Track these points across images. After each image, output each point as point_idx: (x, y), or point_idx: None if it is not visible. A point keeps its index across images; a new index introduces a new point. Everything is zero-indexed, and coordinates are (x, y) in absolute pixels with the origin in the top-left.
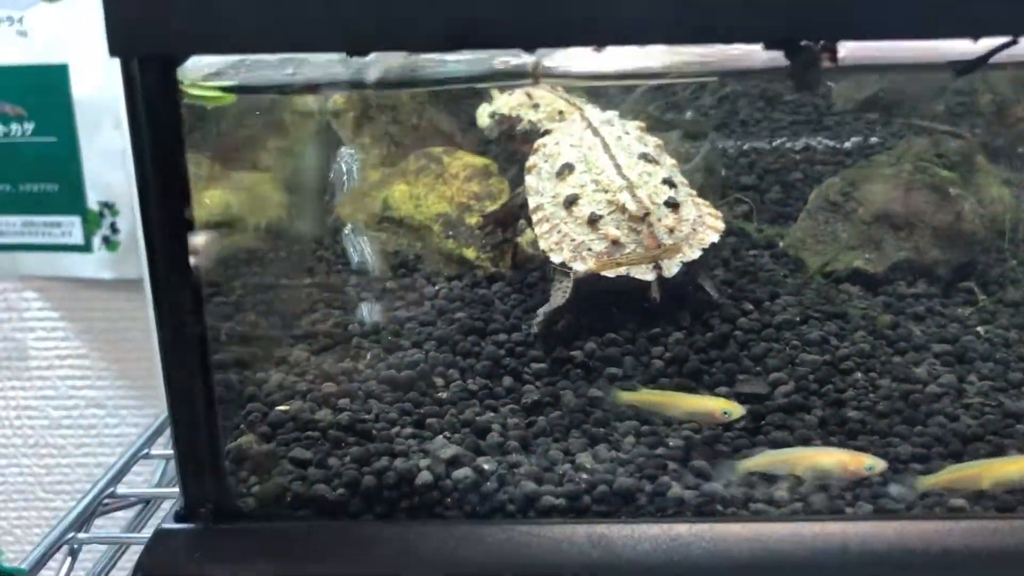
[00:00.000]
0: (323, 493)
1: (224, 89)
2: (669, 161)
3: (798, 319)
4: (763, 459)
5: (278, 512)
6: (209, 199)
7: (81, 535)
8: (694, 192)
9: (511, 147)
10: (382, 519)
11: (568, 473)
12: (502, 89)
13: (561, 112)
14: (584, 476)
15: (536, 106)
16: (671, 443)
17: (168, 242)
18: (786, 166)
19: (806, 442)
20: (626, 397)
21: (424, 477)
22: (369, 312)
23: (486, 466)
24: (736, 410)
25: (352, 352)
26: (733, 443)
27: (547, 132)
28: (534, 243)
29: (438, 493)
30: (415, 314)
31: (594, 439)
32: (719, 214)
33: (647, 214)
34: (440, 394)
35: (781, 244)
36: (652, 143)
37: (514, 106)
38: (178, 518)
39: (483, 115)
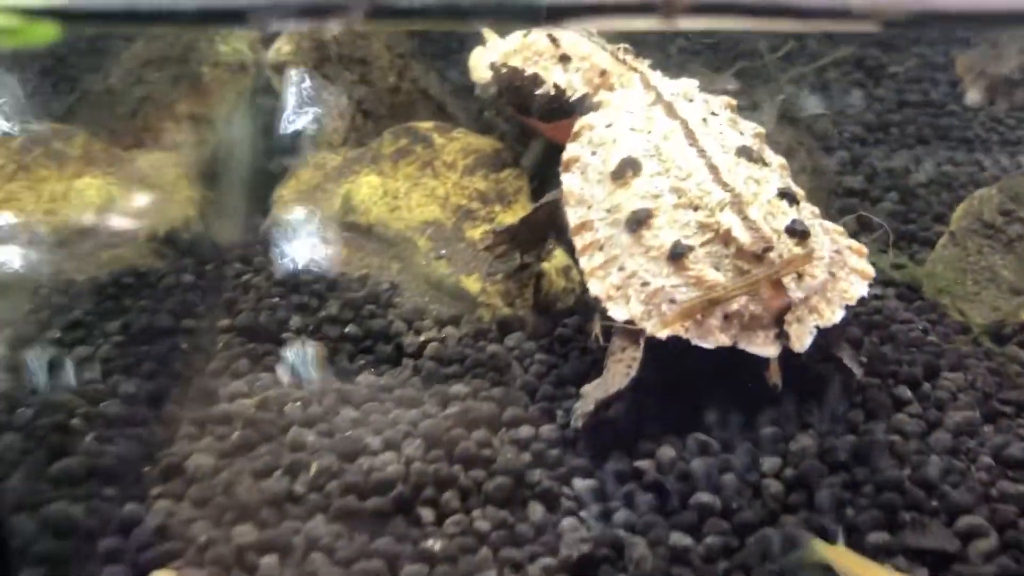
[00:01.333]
0: None
1: (34, 13)
2: (777, 159)
3: (978, 415)
4: None
5: None
6: (77, 192)
7: None
8: (816, 210)
9: (518, 120)
10: None
11: None
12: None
13: (603, 72)
14: None
15: (565, 59)
16: None
17: None
18: (903, 165)
19: None
20: (825, 552)
21: None
22: (314, 381)
23: None
24: None
25: (287, 458)
26: None
27: (582, 102)
28: (567, 270)
29: None
30: (388, 383)
31: None
32: (862, 248)
33: (767, 249)
34: (430, 542)
35: (925, 286)
36: (750, 130)
37: (529, 56)
38: None
39: (478, 64)
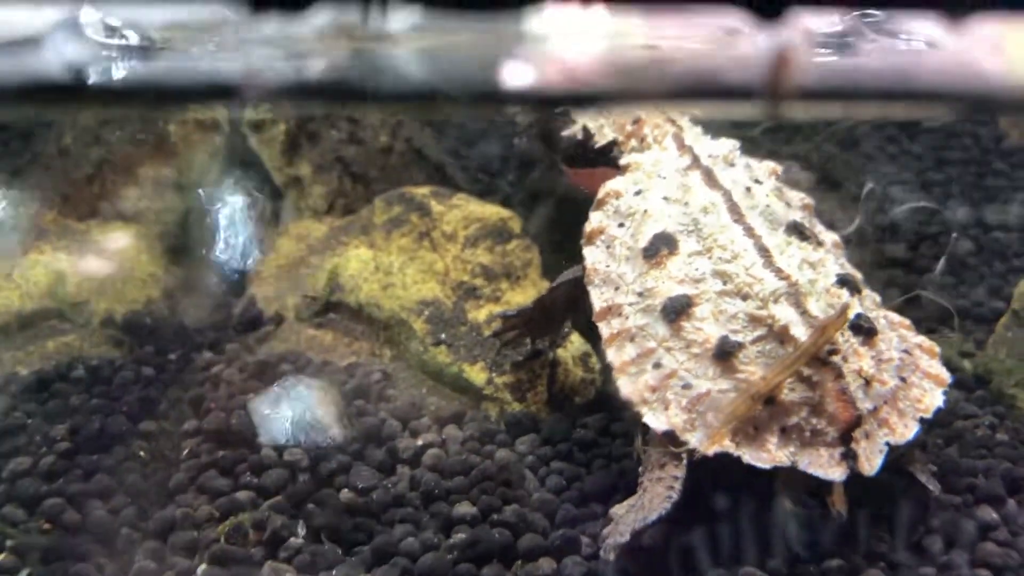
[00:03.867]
0: None
1: None
2: (831, 236)
3: None
4: None
5: None
6: (23, 270)
7: None
8: (878, 298)
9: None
10: None
11: None
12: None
13: (638, 120)
14: None
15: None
16: None
17: None
18: (948, 230)
19: None
20: None
21: None
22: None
23: None
24: None
25: None
26: None
27: (610, 150)
28: (585, 358)
29: None
30: (379, 495)
31: None
32: (935, 347)
33: (834, 352)
34: None
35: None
36: (798, 201)
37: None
38: None
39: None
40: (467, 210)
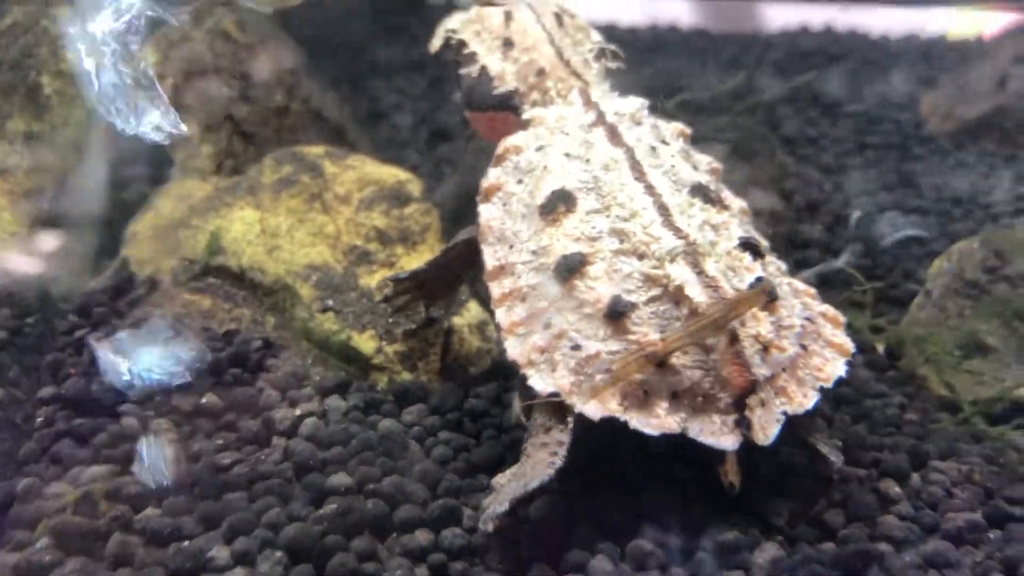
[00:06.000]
0: None
1: None
2: (738, 202)
3: (981, 517)
4: None
5: None
6: None
7: None
8: (783, 265)
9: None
10: None
11: None
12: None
13: (541, 72)
14: None
15: (508, 43)
16: None
17: None
18: (867, 213)
19: None
20: None
21: None
22: (156, 469)
23: None
24: None
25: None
26: None
27: (510, 98)
28: (482, 327)
29: None
30: (249, 470)
31: None
32: (839, 316)
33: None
34: None
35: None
36: (705, 165)
37: (480, 29)
38: None
39: (438, 31)
40: (363, 171)
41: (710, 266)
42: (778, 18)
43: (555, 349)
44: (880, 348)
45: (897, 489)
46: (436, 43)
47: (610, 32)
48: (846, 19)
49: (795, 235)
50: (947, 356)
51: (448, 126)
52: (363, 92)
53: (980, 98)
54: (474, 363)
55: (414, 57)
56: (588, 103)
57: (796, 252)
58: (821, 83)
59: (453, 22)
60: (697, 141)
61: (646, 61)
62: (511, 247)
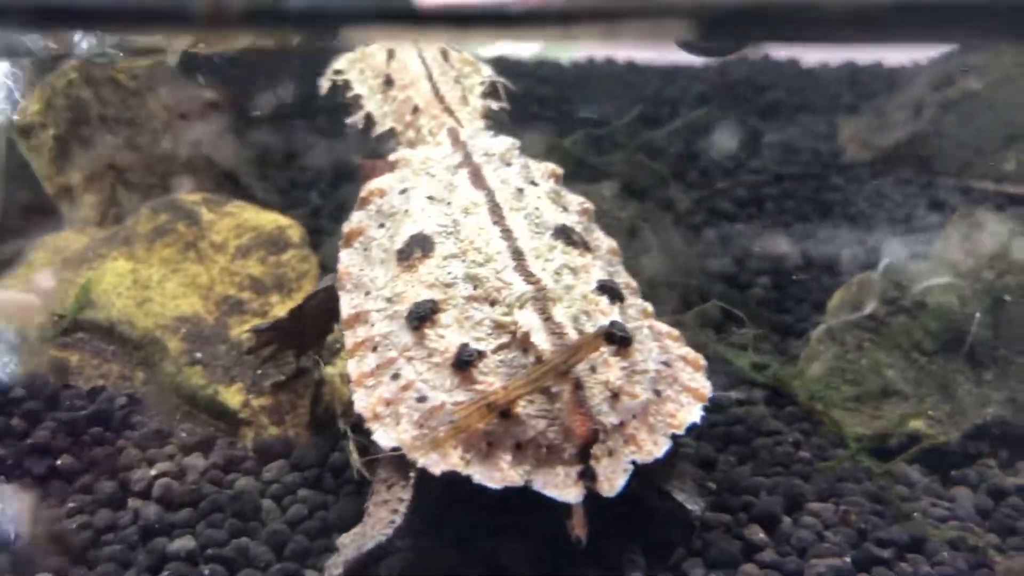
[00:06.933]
0: None
1: None
2: (608, 242)
3: (849, 563)
4: None
5: None
6: None
7: None
8: (648, 307)
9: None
10: None
11: None
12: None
13: (416, 109)
14: None
15: (389, 82)
16: None
17: None
18: (778, 247)
19: None
20: None
21: None
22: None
23: None
24: None
25: None
26: None
27: (387, 141)
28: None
29: None
30: (99, 533)
31: None
32: (699, 359)
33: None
34: None
35: (795, 391)
36: (576, 206)
37: (364, 68)
38: None
39: (328, 70)
40: (241, 218)
41: (558, 312)
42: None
43: (401, 401)
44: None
45: (762, 535)
46: (324, 84)
47: (539, 69)
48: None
49: (700, 271)
50: (835, 392)
51: (354, 167)
52: (281, 133)
53: (897, 125)
54: (347, 414)
55: (323, 103)
56: (456, 142)
57: (707, 285)
58: (743, 114)
59: (340, 62)
60: (587, 179)
61: (559, 96)
62: (367, 294)
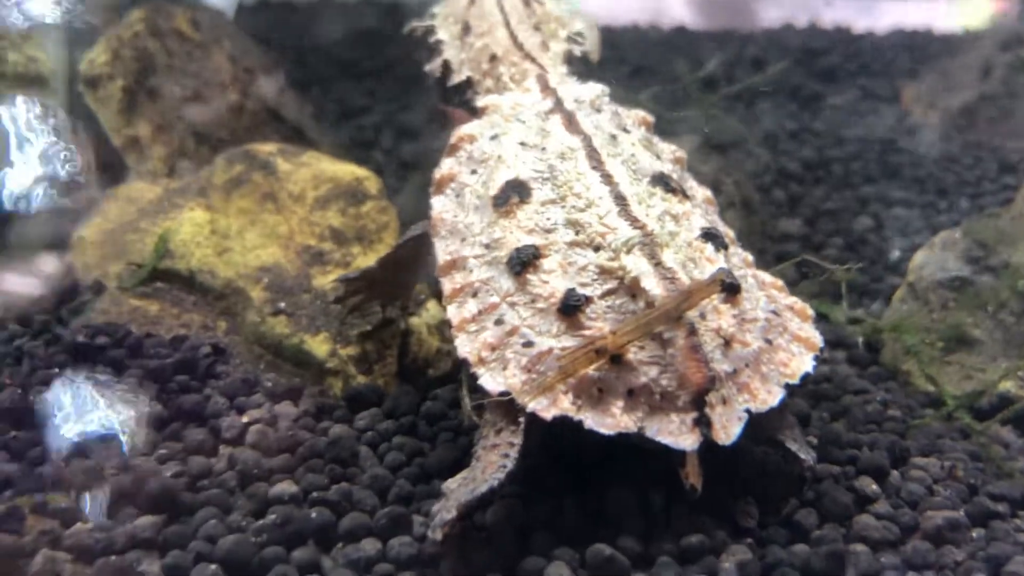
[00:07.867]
0: None
1: None
2: (702, 191)
3: (962, 515)
4: None
5: None
6: None
7: None
8: (749, 256)
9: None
10: None
11: None
12: None
13: (493, 58)
14: None
15: (467, 28)
16: None
17: None
18: (846, 204)
19: None
20: None
21: None
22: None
23: None
24: None
25: None
26: None
27: (464, 91)
28: (443, 327)
29: None
30: (193, 479)
31: None
32: (807, 309)
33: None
34: None
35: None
36: (669, 154)
37: (449, 13)
38: None
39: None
40: (318, 169)
41: (668, 257)
42: (771, 16)
43: (506, 346)
44: (859, 341)
45: (875, 487)
46: (416, 23)
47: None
48: (832, 15)
49: (772, 229)
50: (928, 348)
51: (414, 127)
52: (331, 94)
53: (964, 87)
54: (433, 365)
55: (385, 59)
56: (545, 89)
57: (775, 245)
58: (801, 78)
59: (437, 7)
60: (667, 133)
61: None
62: (463, 240)
